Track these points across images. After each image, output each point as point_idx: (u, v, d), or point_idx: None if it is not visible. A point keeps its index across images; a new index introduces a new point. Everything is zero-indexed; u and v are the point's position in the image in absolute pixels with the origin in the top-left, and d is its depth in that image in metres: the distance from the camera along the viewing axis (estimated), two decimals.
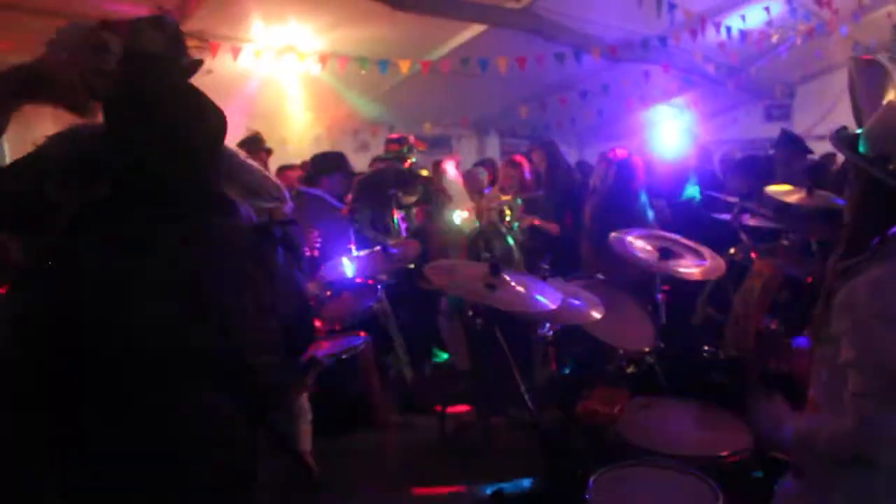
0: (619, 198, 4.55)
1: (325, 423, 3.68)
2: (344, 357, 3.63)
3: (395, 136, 7.09)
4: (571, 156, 14.67)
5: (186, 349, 1.69)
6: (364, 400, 3.85)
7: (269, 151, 7.51)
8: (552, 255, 3.40)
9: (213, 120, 1.92)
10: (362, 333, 3.95)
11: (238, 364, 1.76)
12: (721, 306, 3.74)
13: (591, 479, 2.44)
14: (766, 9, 10.82)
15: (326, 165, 4.76)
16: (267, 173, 2.29)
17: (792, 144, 6.34)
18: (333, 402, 3.58)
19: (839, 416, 1.87)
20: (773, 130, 12.28)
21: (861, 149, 1.99)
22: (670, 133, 7.93)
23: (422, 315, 5.26)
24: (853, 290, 1.90)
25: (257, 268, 1.82)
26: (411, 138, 7.01)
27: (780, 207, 4.50)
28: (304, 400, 2.35)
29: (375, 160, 8.64)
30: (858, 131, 2.07)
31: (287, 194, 2.27)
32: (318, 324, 4.42)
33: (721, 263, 3.34)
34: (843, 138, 2.10)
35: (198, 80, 7.47)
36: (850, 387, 1.84)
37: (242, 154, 2.22)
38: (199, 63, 2.19)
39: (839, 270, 2.03)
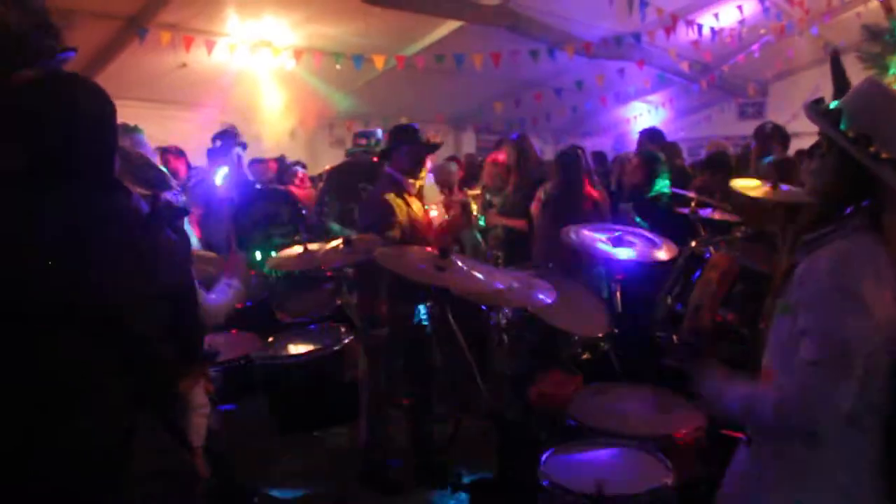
0: (564, 189, 4.62)
1: (315, 416, 3.71)
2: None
3: (362, 130, 7.08)
4: (546, 152, 14.75)
5: (67, 302, 1.81)
6: (354, 392, 3.83)
7: (243, 146, 7.50)
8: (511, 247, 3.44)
9: (87, 106, 2.01)
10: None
11: (117, 323, 1.89)
12: (682, 299, 3.79)
13: (544, 457, 2.49)
14: (739, 7, 10.95)
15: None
16: (155, 163, 2.46)
17: (772, 136, 6.42)
18: (323, 395, 3.62)
19: (788, 383, 1.91)
20: (746, 128, 12.42)
21: (842, 126, 1.97)
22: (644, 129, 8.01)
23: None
24: (816, 261, 1.93)
25: (142, 242, 1.96)
26: (379, 132, 7.00)
27: (747, 201, 4.58)
28: (200, 392, 2.35)
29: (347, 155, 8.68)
30: (834, 104, 2.03)
31: (173, 181, 2.39)
32: (284, 317, 4.43)
33: (672, 247, 3.40)
34: (824, 112, 2.04)
35: (172, 74, 7.47)
36: (802, 353, 1.87)
37: (134, 152, 2.34)
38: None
39: (804, 242, 2.06)
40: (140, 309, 1.95)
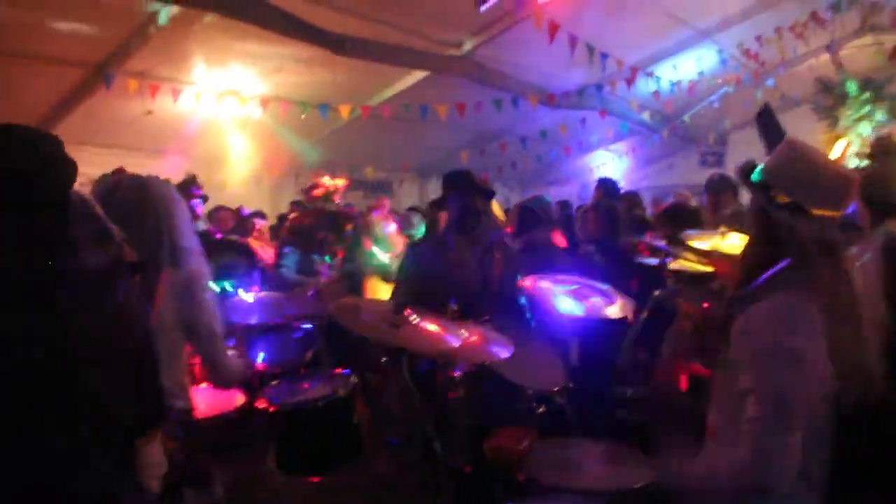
0: (525, 242, 4.68)
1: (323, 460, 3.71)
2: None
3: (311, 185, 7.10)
4: (513, 200, 14.92)
5: (25, 369, 1.77)
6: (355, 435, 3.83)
7: (204, 198, 7.48)
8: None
9: (59, 171, 1.95)
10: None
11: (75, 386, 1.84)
12: (648, 348, 3.83)
13: None
14: (698, 59, 11.27)
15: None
16: (93, 213, 2.25)
17: (724, 187, 6.56)
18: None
19: (736, 444, 1.94)
20: (708, 176, 12.72)
21: (753, 177, 2.12)
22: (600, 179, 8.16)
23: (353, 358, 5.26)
24: (749, 320, 2.00)
25: (101, 303, 1.91)
26: (325, 181, 7.04)
27: (705, 253, 4.67)
28: (156, 451, 2.29)
29: (294, 205, 8.74)
30: (759, 165, 2.17)
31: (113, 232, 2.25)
32: (261, 367, 4.40)
33: (628, 304, 3.45)
34: (743, 168, 2.21)
35: (138, 121, 7.48)
36: (748, 412, 1.91)
37: (88, 199, 2.22)
38: None
39: (735, 300, 2.13)
40: (94, 370, 1.88)
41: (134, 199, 2.73)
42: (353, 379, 3.66)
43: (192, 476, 2.79)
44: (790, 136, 2.23)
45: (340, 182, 7.03)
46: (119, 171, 2.97)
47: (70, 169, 1.96)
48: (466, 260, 4.22)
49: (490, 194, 4.23)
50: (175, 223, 2.81)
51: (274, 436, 3.60)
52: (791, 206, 2.00)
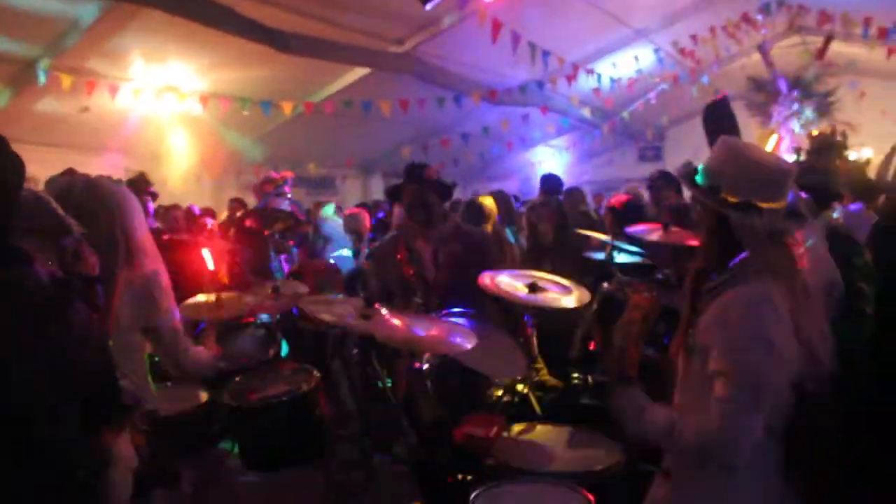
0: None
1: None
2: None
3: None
4: (455, 195, 14.94)
5: None
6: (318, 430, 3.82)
7: (154, 196, 7.35)
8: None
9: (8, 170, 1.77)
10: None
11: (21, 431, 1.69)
12: (598, 339, 3.92)
13: (472, 495, 2.54)
14: (635, 57, 11.52)
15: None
16: (51, 208, 2.15)
17: (665, 184, 6.73)
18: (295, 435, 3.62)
19: (707, 418, 2.04)
20: (646, 170, 12.97)
21: (699, 180, 2.22)
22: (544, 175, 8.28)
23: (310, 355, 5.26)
24: (725, 308, 2.08)
25: (51, 321, 1.76)
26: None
27: (644, 244, 4.80)
28: (125, 444, 2.24)
29: (236, 202, 8.67)
30: (697, 165, 2.28)
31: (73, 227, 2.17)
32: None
33: (585, 293, 3.54)
34: (685, 172, 2.32)
35: (74, 118, 7.31)
36: (717, 393, 2.01)
37: (43, 196, 2.15)
38: None
39: (705, 290, 2.22)
40: (49, 412, 1.74)
41: (87, 199, 2.68)
42: (316, 374, 3.68)
43: (160, 475, 2.76)
44: (724, 136, 2.33)
45: (288, 174, 7.00)
46: (69, 172, 2.91)
47: (14, 165, 1.78)
48: (419, 253, 4.28)
49: (443, 188, 4.26)
50: (129, 223, 2.78)
51: (238, 432, 3.60)
52: (742, 205, 2.09)
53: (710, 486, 2.13)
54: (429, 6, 7.35)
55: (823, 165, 3.76)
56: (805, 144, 8.04)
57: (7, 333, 1.66)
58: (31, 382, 1.69)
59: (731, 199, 2.10)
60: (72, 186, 2.72)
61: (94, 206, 2.68)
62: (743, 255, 2.15)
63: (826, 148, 4.94)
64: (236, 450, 3.68)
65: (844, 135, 6.68)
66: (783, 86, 12.10)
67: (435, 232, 4.21)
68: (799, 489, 2.12)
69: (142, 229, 2.88)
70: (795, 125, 11.95)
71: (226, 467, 3.46)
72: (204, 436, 3.59)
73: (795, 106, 12.08)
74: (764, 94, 12.25)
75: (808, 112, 12.01)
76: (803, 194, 3.46)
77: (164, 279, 2.93)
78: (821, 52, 11.24)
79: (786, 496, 2.12)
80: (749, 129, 11.97)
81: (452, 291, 3.85)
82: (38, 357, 1.70)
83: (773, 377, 1.99)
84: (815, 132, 7.69)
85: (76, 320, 1.81)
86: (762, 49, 11.46)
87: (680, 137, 15.35)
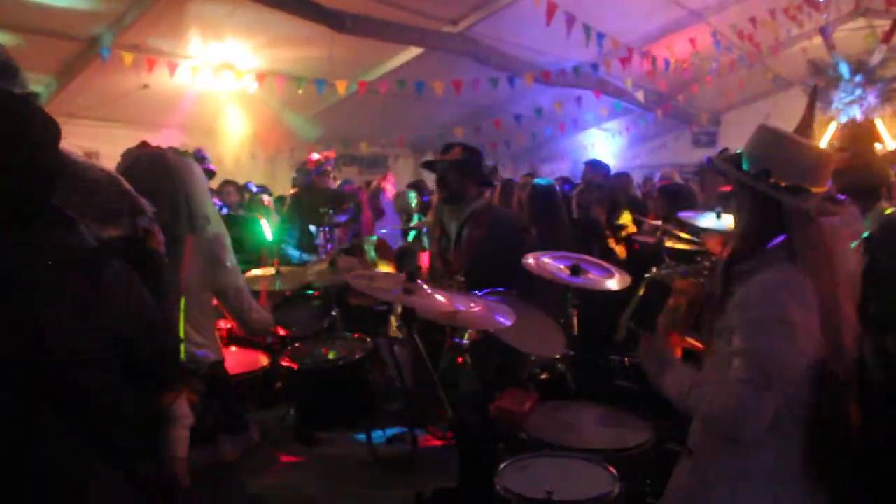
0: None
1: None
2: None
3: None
4: (507, 175, 14.99)
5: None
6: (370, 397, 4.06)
7: (211, 172, 7.56)
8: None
9: (37, 131, 1.80)
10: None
11: (58, 380, 1.76)
12: (643, 323, 3.95)
13: (501, 467, 2.63)
14: (692, 40, 11.34)
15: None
16: (123, 189, 2.28)
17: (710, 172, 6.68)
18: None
19: (722, 391, 2.09)
20: (701, 155, 12.81)
21: (744, 166, 2.24)
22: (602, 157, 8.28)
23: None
24: (748, 291, 2.13)
25: (88, 286, 1.82)
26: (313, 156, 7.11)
27: (695, 230, 4.79)
28: (182, 404, 2.39)
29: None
30: (738, 152, 2.31)
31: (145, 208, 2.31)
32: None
33: (626, 276, 3.58)
34: (727, 158, 2.34)
35: (134, 95, 7.51)
36: (733, 371, 2.06)
37: (115, 176, 2.28)
38: None
39: (736, 274, 2.26)
40: (84, 361, 1.81)
41: (152, 169, 2.85)
42: (369, 343, 3.88)
43: (227, 422, 2.92)
44: (762, 124, 2.36)
45: (330, 154, 7.11)
46: (143, 145, 3.07)
47: (46, 124, 1.81)
48: (447, 231, 4.43)
49: (464, 167, 4.35)
50: (193, 191, 2.93)
51: (296, 393, 3.87)
52: (793, 188, 2.12)
53: (729, 466, 2.18)
54: None
55: (854, 161, 3.68)
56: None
57: (36, 290, 1.74)
58: (63, 334, 1.76)
59: (782, 183, 2.13)
60: (140, 157, 2.90)
61: (158, 174, 2.85)
62: (779, 239, 2.18)
63: (858, 139, 4.82)
64: (292, 412, 3.92)
65: (873, 123, 6.52)
66: (845, 70, 11.80)
67: (462, 210, 4.31)
68: (820, 476, 2.15)
69: (204, 196, 3.04)
70: (857, 111, 11.66)
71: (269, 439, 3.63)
72: (265, 395, 3.89)
73: (858, 92, 11.78)
74: (824, 78, 11.95)
75: (871, 98, 11.70)
76: (841, 198, 3.46)
77: (227, 241, 3.11)
78: (888, 36, 10.90)
79: (805, 482, 2.15)
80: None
81: (471, 272, 3.95)
82: (68, 312, 1.77)
83: (790, 361, 2.03)
84: (843, 123, 7.47)
85: (112, 283, 1.89)
86: (824, 32, 11.16)
87: (736, 123, 15.07)
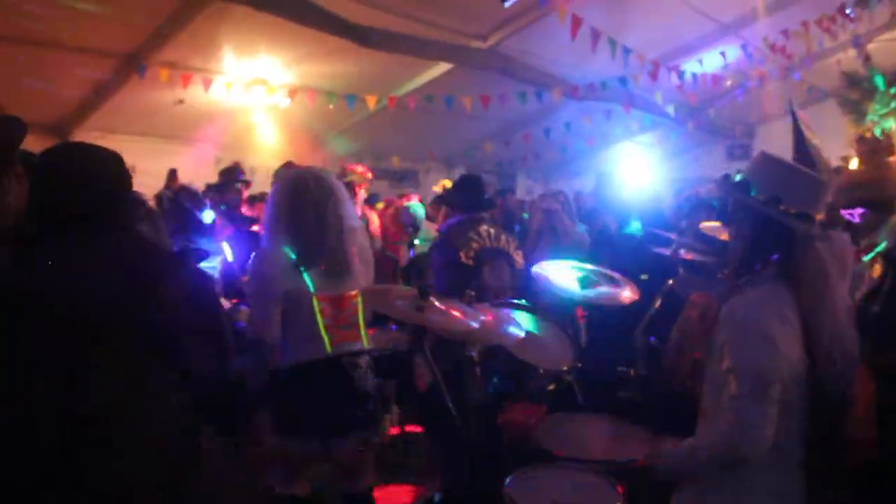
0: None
1: None
2: None
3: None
4: (537, 191, 15.01)
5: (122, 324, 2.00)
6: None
7: (247, 183, 7.70)
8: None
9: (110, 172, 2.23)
10: None
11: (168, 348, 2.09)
12: (659, 335, 3.97)
13: (509, 478, 2.69)
14: (722, 54, 11.27)
15: None
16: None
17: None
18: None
19: (718, 421, 2.15)
20: (735, 168, 12.68)
21: (752, 192, 2.30)
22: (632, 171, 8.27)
23: None
24: (733, 308, 2.23)
25: (161, 287, 2.12)
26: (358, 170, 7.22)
27: (714, 243, 4.80)
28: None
29: None
30: (738, 177, 2.38)
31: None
32: None
33: (635, 289, 3.61)
34: (734, 185, 2.40)
35: (169, 110, 7.69)
36: (728, 391, 2.13)
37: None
38: None
39: (725, 291, 2.33)
40: (183, 338, 2.15)
41: (319, 187, 3.25)
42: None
43: None
44: (764, 151, 2.43)
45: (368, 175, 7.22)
46: (289, 165, 3.41)
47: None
48: None
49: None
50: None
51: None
52: (802, 216, 2.20)
53: (729, 481, 2.21)
54: (507, 3, 7.44)
55: (872, 175, 3.70)
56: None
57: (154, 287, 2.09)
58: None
59: (793, 211, 2.21)
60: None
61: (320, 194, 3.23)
62: (772, 258, 2.25)
63: (873, 154, 4.82)
64: None
65: (890, 137, 6.48)
66: (881, 82, 11.63)
67: None
68: (817, 490, 2.18)
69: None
70: (892, 123, 11.47)
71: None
72: None
73: (894, 104, 11.59)
74: (859, 90, 11.79)
75: None
76: (859, 210, 3.48)
77: None
78: None
79: (804, 495, 2.18)
80: (842, 127, 11.58)
81: None
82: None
83: (778, 374, 2.07)
84: (859, 136, 7.39)
85: (193, 280, 2.27)
86: (856, 44, 11.01)
87: (771, 135, 14.89)
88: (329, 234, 3.17)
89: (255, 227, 6.64)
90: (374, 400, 3.24)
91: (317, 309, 3.19)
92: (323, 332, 3.19)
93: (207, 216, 5.67)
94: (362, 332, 3.34)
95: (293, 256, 3.15)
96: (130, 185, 2.32)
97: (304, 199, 3.17)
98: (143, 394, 2.03)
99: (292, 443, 3.10)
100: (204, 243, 3.86)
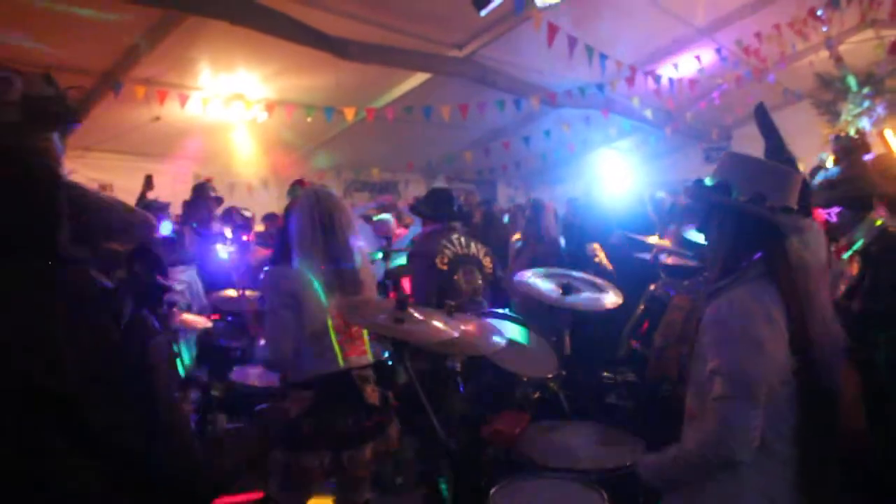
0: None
1: None
2: None
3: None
4: (518, 199, 15.05)
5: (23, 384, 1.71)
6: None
7: (219, 200, 7.67)
8: None
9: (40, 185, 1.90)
10: None
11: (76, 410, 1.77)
12: (643, 339, 3.98)
13: (494, 489, 2.67)
14: (697, 58, 11.36)
15: None
16: (130, 207, 2.54)
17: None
18: None
19: (704, 422, 2.14)
20: (712, 171, 12.75)
21: (734, 194, 2.30)
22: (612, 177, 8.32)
23: None
24: (718, 308, 2.22)
25: (97, 320, 1.89)
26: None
27: (699, 246, 4.83)
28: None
29: None
30: (709, 181, 2.38)
31: (154, 222, 2.52)
32: None
33: (620, 295, 3.60)
34: (712, 189, 2.40)
35: (145, 127, 7.66)
36: (713, 392, 2.12)
37: (100, 196, 2.44)
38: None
39: (709, 292, 2.32)
40: (99, 394, 1.82)
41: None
42: None
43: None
44: (731, 152, 2.46)
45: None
46: (299, 183, 3.42)
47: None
48: None
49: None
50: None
51: None
52: (787, 209, 2.22)
53: (718, 484, 2.20)
54: (483, 12, 7.44)
55: (847, 174, 3.74)
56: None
57: (65, 333, 1.79)
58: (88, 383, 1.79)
59: (778, 206, 2.23)
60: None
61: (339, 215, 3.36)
62: (755, 256, 2.24)
63: (848, 153, 4.88)
64: None
65: (864, 136, 6.55)
66: (853, 83, 11.76)
67: None
68: (806, 490, 2.18)
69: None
70: (866, 123, 11.59)
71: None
72: None
73: (866, 103, 11.73)
74: (832, 91, 11.93)
75: (880, 109, 11.65)
76: (836, 209, 3.51)
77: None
78: (895, 47, 10.86)
79: (793, 496, 2.18)
80: (816, 127, 11.69)
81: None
82: (91, 356, 1.82)
83: (763, 373, 2.07)
84: (835, 136, 7.47)
85: (133, 321, 2.03)
86: (829, 45, 11.14)
87: (747, 138, 14.95)
88: (347, 253, 3.30)
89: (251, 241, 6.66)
90: (380, 410, 3.25)
91: (330, 324, 3.24)
92: (336, 347, 3.24)
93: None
94: (367, 345, 3.39)
95: (309, 273, 3.20)
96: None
97: (325, 219, 3.29)
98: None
99: (303, 457, 3.09)
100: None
